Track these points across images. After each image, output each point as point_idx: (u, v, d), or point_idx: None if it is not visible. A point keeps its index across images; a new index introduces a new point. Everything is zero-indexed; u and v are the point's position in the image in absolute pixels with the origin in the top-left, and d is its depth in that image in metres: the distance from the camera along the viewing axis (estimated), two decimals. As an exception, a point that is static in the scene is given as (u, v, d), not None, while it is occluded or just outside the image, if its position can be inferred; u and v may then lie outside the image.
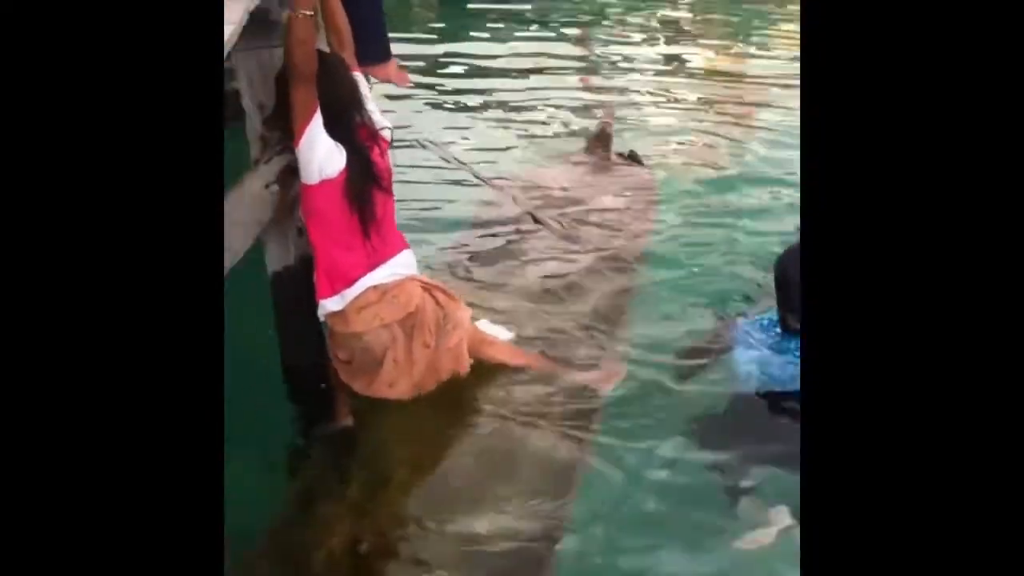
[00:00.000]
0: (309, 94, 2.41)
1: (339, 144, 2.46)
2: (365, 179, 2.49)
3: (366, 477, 2.51)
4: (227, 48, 1.81)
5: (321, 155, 2.44)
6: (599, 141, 4.94)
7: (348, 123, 2.50)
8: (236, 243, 2.64)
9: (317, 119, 2.42)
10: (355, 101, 2.55)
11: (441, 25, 8.03)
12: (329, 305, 2.58)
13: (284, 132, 2.63)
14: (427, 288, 2.68)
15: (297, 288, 2.85)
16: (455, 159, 4.63)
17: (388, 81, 4.61)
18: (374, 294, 2.56)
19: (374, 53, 4.34)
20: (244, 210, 2.63)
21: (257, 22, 2.37)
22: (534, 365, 2.93)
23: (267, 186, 2.62)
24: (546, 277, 3.54)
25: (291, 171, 2.64)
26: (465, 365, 2.77)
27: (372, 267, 2.57)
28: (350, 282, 2.55)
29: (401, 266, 2.65)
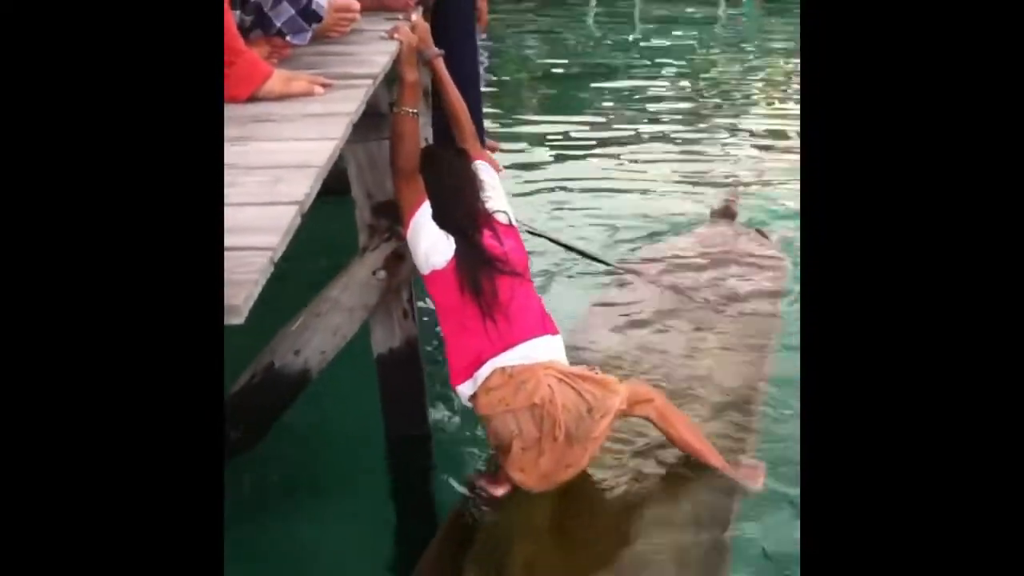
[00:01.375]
0: (413, 186, 2.52)
1: (448, 234, 2.51)
2: (478, 265, 2.50)
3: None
4: (343, 143, 1.90)
5: (426, 246, 2.50)
6: (723, 217, 4.84)
7: (458, 212, 2.56)
8: (344, 327, 2.74)
9: (423, 210, 2.50)
10: (469, 191, 2.61)
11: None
12: (463, 390, 2.57)
13: (391, 220, 2.74)
14: (566, 377, 2.54)
15: (402, 370, 2.93)
16: (574, 249, 4.54)
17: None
18: (500, 377, 2.50)
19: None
20: (351, 295, 2.73)
21: (368, 115, 2.49)
22: (718, 464, 2.73)
23: (374, 272, 2.71)
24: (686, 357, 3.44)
25: (397, 257, 2.73)
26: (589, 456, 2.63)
27: (501, 351, 2.52)
28: (478, 365, 2.51)
29: (537, 350, 2.55)
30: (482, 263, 2.52)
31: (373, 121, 2.64)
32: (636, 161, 6.31)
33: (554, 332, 2.60)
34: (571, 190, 5.64)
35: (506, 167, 5.10)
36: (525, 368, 2.50)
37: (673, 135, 6.95)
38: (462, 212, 2.57)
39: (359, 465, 3.02)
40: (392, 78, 2.55)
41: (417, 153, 2.54)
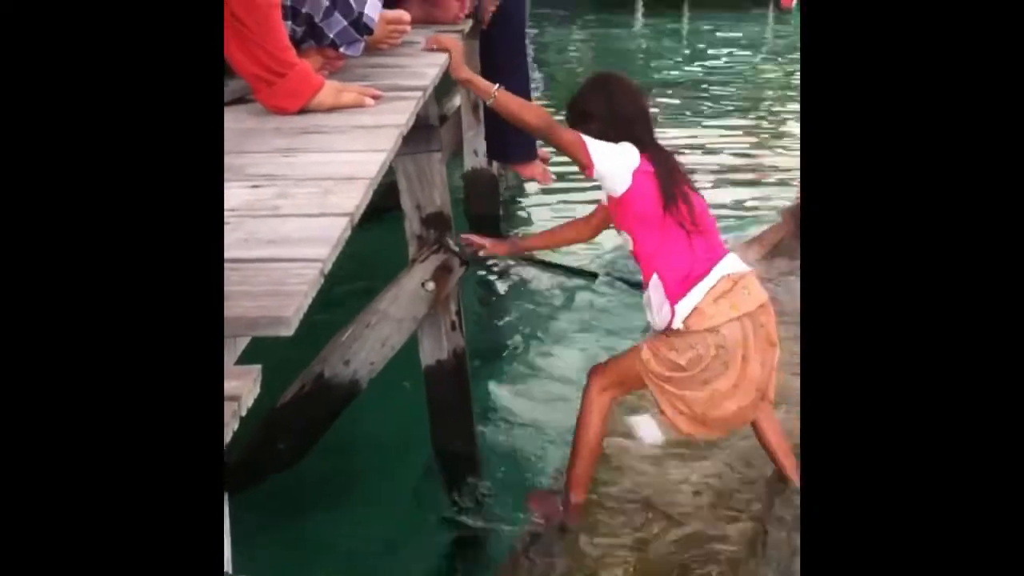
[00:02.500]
0: (562, 132, 2.47)
1: (629, 143, 2.47)
2: (675, 175, 2.48)
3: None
4: (392, 155, 1.91)
5: (616, 154, 2.44)
6: (794, 219, 4.54)
7: (646, 130, 2.53)
8: (392, 338, 2.75)
9: (589, 141, 2.43)
10: (645, 110, 2.60)
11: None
12: (684, 306, 2.44)
13: (440, 231, 2.74)
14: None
15: (449, 382, 2.92)
16: None
17: (533, 179, 4.77)
18: (728, 282, 2.45)
19: (521, 153, 4.53)
20: (400, 307, 2.73)
21: (418, 127, 2.50)
22: (794, 478, 2.70)
23: (423, 284, 2.71)
24: None
25: (446, 268, 2.73)
26: (772, 395, 2.63)
27: (716, 259, 2.48)
28: (702, 275, 2.44)
29: (739, 263, 2.54)
30: (678, 173, 2.49)
31: (423, 133, 2.66)
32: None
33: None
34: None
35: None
36: (743, 274, 2.49)
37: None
38: (647, 128, 2.53)
39: (405, 478, 3.02)
40: (442, 92, 2.56)
41: (538, 108, 2.55)
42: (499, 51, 4.15)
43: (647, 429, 2.97)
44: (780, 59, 10.66)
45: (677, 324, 2.44)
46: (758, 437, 2.71)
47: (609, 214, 2.60)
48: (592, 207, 2.80)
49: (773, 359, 2.51)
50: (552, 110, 3.26)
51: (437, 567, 2.74)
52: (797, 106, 8.04)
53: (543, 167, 4.41)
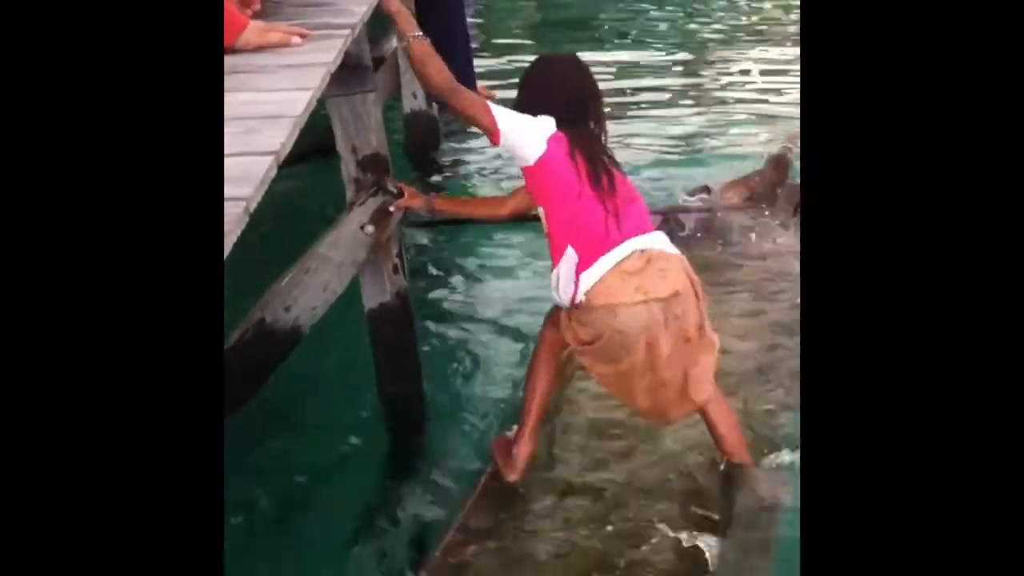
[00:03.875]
0: (467, 96, 2.35)
1: (547, 116, 2.35)
2: (588, 137, 2.37)
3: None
4: (319, 93, 1.88)
5: (525, 121, 2.33)
6: (777, 169, 4.49)
7: (571, 102, 2.40)
8: (333, 283, 2.73)
9: (497, 109, 2.32)
10: (577, 85, 2.47)
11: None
12: (588, 277, 2.28)
13: (377, 174, 2.71)
14: (693, 281, 2.34)
15: (393, 325, 2.92)
16: None
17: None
18: (640, 260, 2.27)
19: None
20: (340, 251, 2.71)
21: (349, 68, 2.46)
22: (748, 463, 2.55)
23: (362, 227, 2.69)
24: None
25: (385, 211, 2.71)
26: (704, 397, 2.42)
27: (631, 234, 2.30)
28: (612, 245, 2.28)
29: (663, 243, 2.37)
30: (598, 146, 2.37)
31: (356, 74, 2.61)
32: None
33: (655, 230, 2.43)
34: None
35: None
36: (664, 255, 2.31)
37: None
38: (574, 102, 2.40)
39: (353, 421, 3.03)
40: (380, 33, 2.51)
41: (446, 75, 2.36)
42: None
43: None
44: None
45: (579, 296, 2.30)
46: (707, 426, 2.53)
47: (487, 121, 2.33)
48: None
49: (691, 354, 2.33)
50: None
51: (380, 510, 2.77)
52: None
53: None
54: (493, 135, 2.31)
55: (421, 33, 2.32)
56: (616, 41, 8.05)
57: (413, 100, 5.03)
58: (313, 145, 2.92)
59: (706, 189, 4.42)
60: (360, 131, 2.71)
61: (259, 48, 2.01)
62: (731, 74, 7.09)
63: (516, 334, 3.49)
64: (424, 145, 5.18)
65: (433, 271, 4.09)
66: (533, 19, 9.57)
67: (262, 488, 2.70)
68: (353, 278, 2.78)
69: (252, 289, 2.71)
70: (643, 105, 6.26)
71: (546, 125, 2.32)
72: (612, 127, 2.57)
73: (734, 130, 5.68)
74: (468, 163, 5.34)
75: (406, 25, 2.33)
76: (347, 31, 2.19)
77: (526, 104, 2.39)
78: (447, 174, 5.21)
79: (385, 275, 2.87)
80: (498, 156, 5.32)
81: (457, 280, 4.04)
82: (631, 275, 2.26)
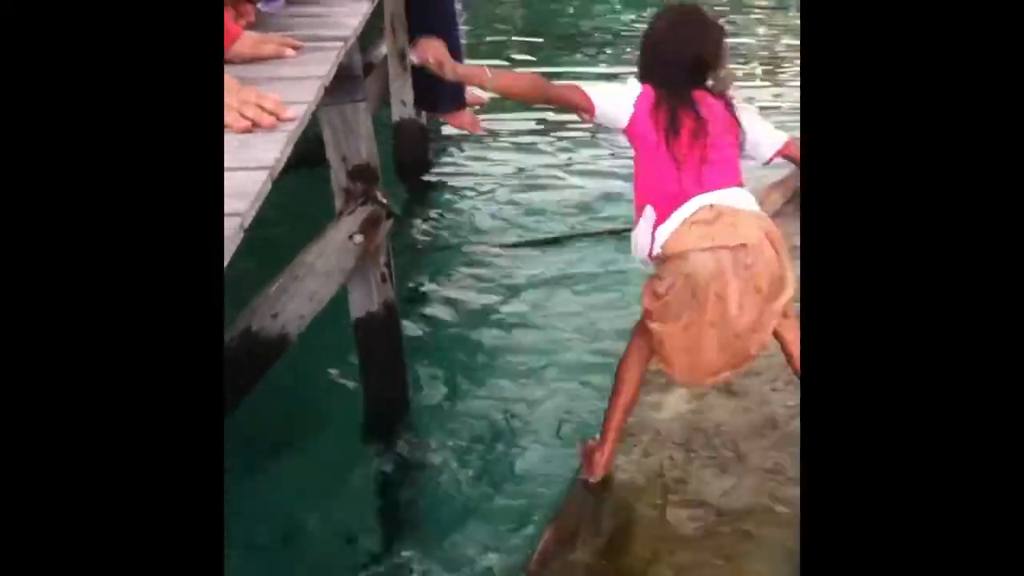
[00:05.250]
0: (557, 88, 2.47)
1: (638, 81, 2.44)
2: (676, 103, 2.39)
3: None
4: (314, 106, 1.89)
5: (614, 89, 2.44)
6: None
7: (668, 61, 2.45)
8: (321, 292, 2.74)
9: (584, 86, 2.44)
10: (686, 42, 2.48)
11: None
12: (663, 231, 2.37)
13: (367, 183, 2.72)
14: (772, 236, 2.37)
15: (380, 334, 2.94)
16: None
17: (462, 129, 4.74)
18: (709, 213, 2.33)
19: (448, 101, 4.49)
20: (328, 260, 2.72)
21: (342, 78, 2.48)
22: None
23: (350, 236, 2.70)
24: None
25: (374, 221, 2.72)
26: (763, 344, 2.43)
27: (706, 190, 2.36)
28: (683, 200, 2.35)
29: (739, 200, 2.41)
30: (680, 101, 2.39)
31: (347, 84, 2.62)
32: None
33: (742, 185, 2.45)
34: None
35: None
36: (735, 211, 2.35)
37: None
38: (679, 61, 2.44)
39: (340, 430, 3.04)
40: (368, 40, 2.53)
41: (532, 79, 2.51)
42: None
43: None
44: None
45: (656, 250, 2.39)
46: (783, 349, 2.56)
47: (581, 100, 2.43)
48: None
49: (759, 307, 2.33)
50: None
51: (370, 521, 2.78)
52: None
53: (472, 116, 4.40)
54: (589, 112, 2.40)
55: (490, 72, 2.40)
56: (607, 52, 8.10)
57: (402, 108, 5.01)
58: (299, 155, 2.93)
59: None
60: (351, 141, 2.72)
61: (252, 60, 2.02)
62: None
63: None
64: (414, 154, 5.18)
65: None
66: (519, 27, 9.63)
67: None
68: (341, 288, 2.79)
69: (239, 300, 2.72)
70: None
71: (632, 87, 2.41)
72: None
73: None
74: (459, 173, 5.36)
75: (476, 73, 2.44)
76: (340, 43, 2.20)
77: (647, 62, 2.46)
78: (437, 183, 5.22)
79: (373, 284, 2.88)
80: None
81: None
82: (700, 225, 2.32)
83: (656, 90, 2.39)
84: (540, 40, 8.73)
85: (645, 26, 2.51)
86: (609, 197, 4.85)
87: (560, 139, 5.74)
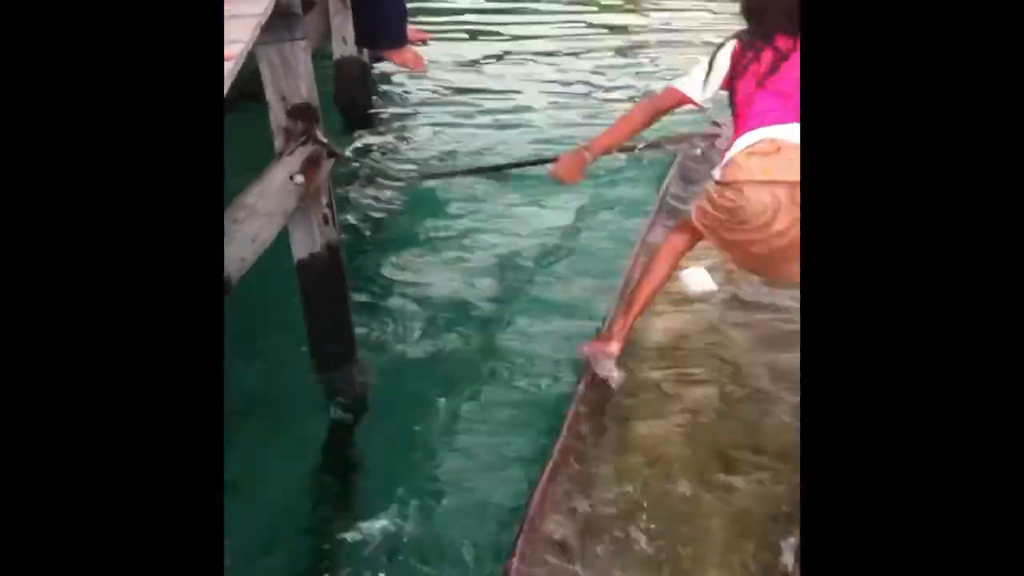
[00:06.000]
0: (657, 100, 2.79)
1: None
2: (754, 42, 2.56)
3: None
4: (250, 45, 1.85)
5: (703, 72, 2.62)
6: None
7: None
8: (262, 233, 2.70)
9: (681, 85, 2.67)
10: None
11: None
12: (728, 155, 2.53)
13: (307, 122, 2.68)
14: None
15: (323, 276, 2.91)
16: None
17: (405, 66, 4.66)
18: (769, 146, 2.43)
19: (389, 38, 4.40)
20: (268, 201, 2.68)
21: (281, 15, 2.42)
22: None
23: (291, 177, 2.66)
24: None
25: (314, 162, 2.69)
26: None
27: (772, 123, 2.46)
28: (750, 129, 2.49)
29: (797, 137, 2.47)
30: (758, 47, 2.53)
31: (285, 21, 2.56)
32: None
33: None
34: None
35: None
36: (795, 146, 2.38)
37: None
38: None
39: (284, 376, 3.03)
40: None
41: (640, 116, 2.74)
42: None
43: (697, 279, 3.03)
44: None
45: (715, 173, 2.54)
46: None
47: (682, 100, 2.67)
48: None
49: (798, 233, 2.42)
50: None
51: (313, 467, 2.79)
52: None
53: (415, 53, 4.33)
54: (696, 105, 2.65)
55: (591, 152, 2.72)
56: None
57: (343, 45, 4.93)
58: (236, 92, 2.87)
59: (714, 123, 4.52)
60: (290, 79, 2.66)
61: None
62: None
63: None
64: (355, 94, 5.10)
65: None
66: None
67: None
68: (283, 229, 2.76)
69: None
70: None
71: (723, 56, 2.58)
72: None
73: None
74: (403, 110, 5.29)
75: (598, 146, 2.74)
76: (277, -21, 2.14)
77: (752, 13, 2.61)
78: (380, 122, 5.16)
79: (315, 225, 2.84)
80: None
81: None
82: (759, 157, 2.43)
83: (741, 40, 2.56)
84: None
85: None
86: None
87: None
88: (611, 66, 6.13)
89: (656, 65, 6.17)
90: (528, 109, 5.37)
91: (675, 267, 2.73)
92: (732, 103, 2.61)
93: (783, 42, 2.51)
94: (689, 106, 2.70)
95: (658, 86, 4.70)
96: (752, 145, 2.45)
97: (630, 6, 7.88)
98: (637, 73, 6.00)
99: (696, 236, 2.64)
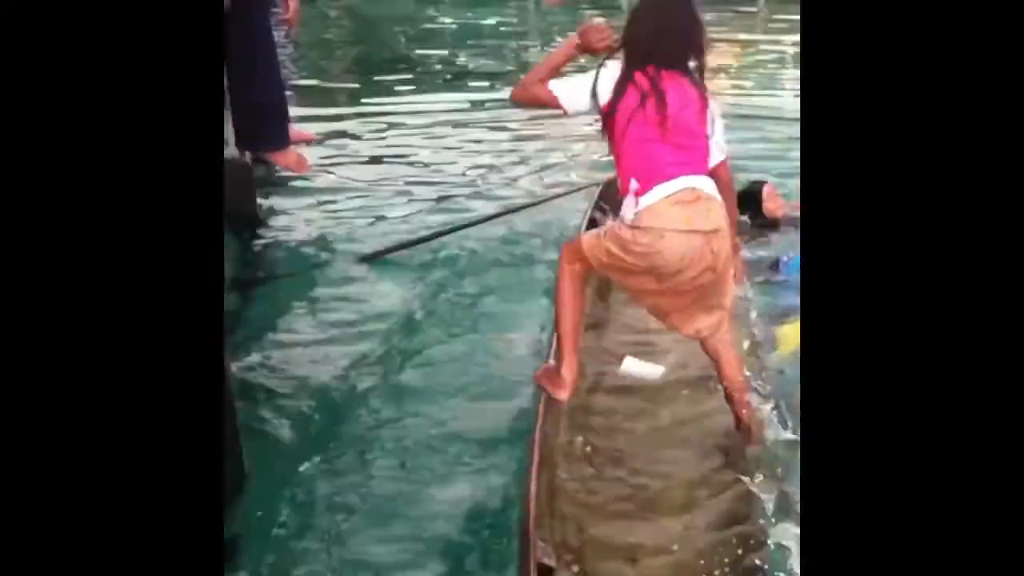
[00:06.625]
0: (531, 91, 2.71)
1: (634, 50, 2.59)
2: (652, 76, 2.53)
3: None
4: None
5: (579, 81, 2.63)
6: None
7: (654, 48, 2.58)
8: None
9: (553, 86, 2.64)
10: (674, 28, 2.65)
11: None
12: (645, 201, 2.50)
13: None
14: (729, 222, 2.59)
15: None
16: None
17: (288, 168, 4.47)
18: (690, 195, 2.48)
19: (274, 139, 4.23)
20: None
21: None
22: (747, 412, 2.74)
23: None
24: None
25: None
26: (692, 332, 2.69)
27: (687, 173, 2.51)
28: (668, 177, 2.49)
29: (711, 187, 2.55)
30: (659, 85, 2.52)
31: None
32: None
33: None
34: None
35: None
36: (710, 196, 2.51)
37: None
38: (658, 41, 2.59)
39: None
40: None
41: (537, 91, 2.69)
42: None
43: (636, 367, 2.98)
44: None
45: (630, 216, 2.51)
46: (719, 370, 2.76)
47: (548, 98, 2.66)
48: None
49: (712, 286, 2.54)
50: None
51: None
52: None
53: (298, 155, 4.15)
54: (561, 109, 2.65)
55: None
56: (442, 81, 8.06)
57: (224, 147, 4.69)
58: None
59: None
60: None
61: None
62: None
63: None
64: (239, 198, 4.82)
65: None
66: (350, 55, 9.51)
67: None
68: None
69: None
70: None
71: (609, 71, 2.57)
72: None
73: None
74: (290, 216, 5.07)
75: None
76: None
77: (628, 40, 2.62)
78: (266, 229, 4.91)
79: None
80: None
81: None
82: (682, 206, 2.47)
83: (636, 66, 2.54)
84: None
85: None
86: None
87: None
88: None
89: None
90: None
91: (582, 288, 2.74)
92: (613, 140, 2.60)
93: (659, 77, 2.53)
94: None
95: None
96: (674, 194, 2.47)
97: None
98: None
99: (588, 266, 2.66)
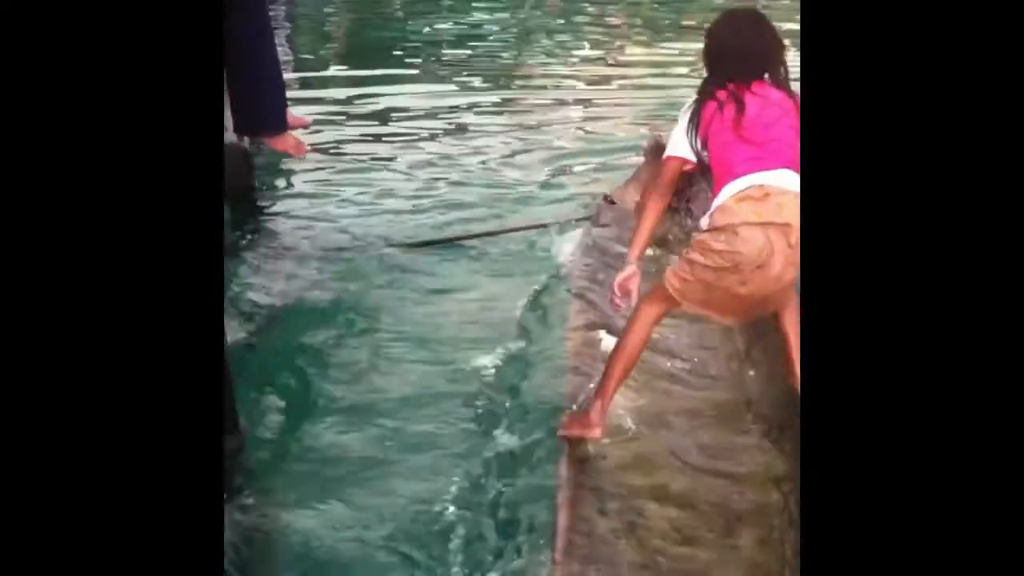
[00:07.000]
0: (657, 178, 2.87)
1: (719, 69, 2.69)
2: (735, 91, 2.59)
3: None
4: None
5: (678, 131, 2.70)
6: (655, 156, 4.22)
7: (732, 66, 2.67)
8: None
9: (669, 155, 2.76)
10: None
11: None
12: (715, 203, 2.55)
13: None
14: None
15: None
16: None
17: (287, 153, 4.44)
18: (758, 192, 2.48)
19: (272, 123, 4.18)
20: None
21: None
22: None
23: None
24: None
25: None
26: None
27: (763, 169, 2.51)
28: (736, 176, 2.52)
29: (788, 181, 2.50)
30: (743, 97, 2.58)
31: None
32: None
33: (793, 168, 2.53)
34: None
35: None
36: (783, 191, 2.47)
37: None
38: (744, 58, 2.65)
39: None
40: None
41: (653, 210, 2.80)
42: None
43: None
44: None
45: (703, 223, 2.56)
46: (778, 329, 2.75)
47: (681, 166, 2.74)
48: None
49: (792, 275, 2.48)
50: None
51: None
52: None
53: (296, 139, 4.12)
54: (690, 166, 2.72)
55: (635, 265, 2.75)
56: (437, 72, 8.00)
57: (224, 132, 4.68)
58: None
59: (607, 199, 4.33)
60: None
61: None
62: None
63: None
64: (238, 182, 4.83)
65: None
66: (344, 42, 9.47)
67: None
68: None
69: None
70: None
71: (694, 114, 2.65)
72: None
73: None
74: (288, 198, 5.07)
75: (634, 254, 2.76)
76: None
77: (708, 60, 2.72)
78: (266, 212, 4.92)
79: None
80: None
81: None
82: (750, 201, 2.47)
83: (717, 89, 2.61)
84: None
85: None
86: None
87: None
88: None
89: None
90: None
91: (649, 337, 2.70)
92: (708, 154, 2.65)
93: (759, 89, 2.60)
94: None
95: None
96: (742, 191, 2.49)
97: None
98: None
99: (671, 304, 2.63)
